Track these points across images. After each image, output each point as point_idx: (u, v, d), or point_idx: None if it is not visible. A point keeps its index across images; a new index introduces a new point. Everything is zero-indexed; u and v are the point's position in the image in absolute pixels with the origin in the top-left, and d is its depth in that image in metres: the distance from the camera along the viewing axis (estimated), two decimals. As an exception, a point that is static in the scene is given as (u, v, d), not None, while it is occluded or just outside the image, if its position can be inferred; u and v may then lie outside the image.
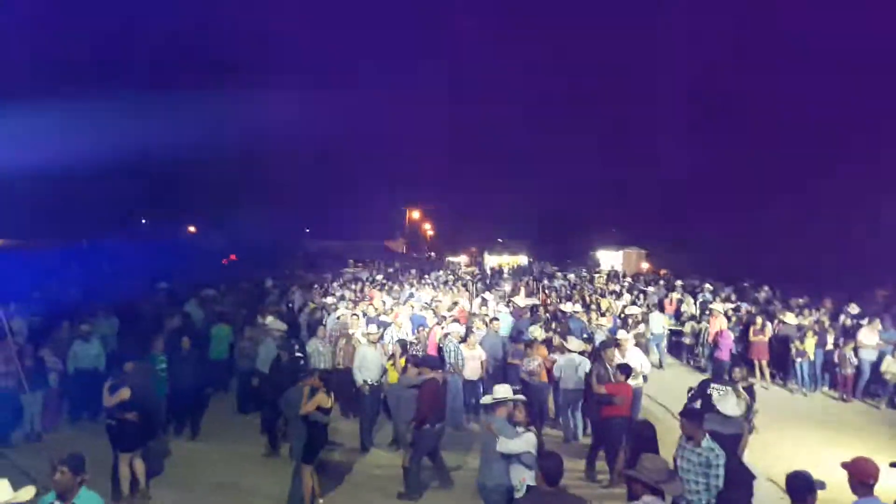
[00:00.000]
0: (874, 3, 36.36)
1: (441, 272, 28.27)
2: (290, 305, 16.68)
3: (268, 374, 10.03)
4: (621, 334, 11.27)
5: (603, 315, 14.76)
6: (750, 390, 8.81)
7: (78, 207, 34.01)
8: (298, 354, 10.40)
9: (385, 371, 10.36)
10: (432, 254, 49.48)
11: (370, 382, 10.08)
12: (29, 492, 4.07)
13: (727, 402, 7.52)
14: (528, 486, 5.82)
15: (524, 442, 6.31)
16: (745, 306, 17.33)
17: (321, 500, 7.83)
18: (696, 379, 10.05)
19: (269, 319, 11.80)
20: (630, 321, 14.77)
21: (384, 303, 15.51)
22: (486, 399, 7.37)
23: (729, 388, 7.81)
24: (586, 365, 10.15)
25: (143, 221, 52.44)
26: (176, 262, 29.49)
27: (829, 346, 14.10)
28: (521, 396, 7.29)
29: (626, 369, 9.08)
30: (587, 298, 18.76)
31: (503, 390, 7.03)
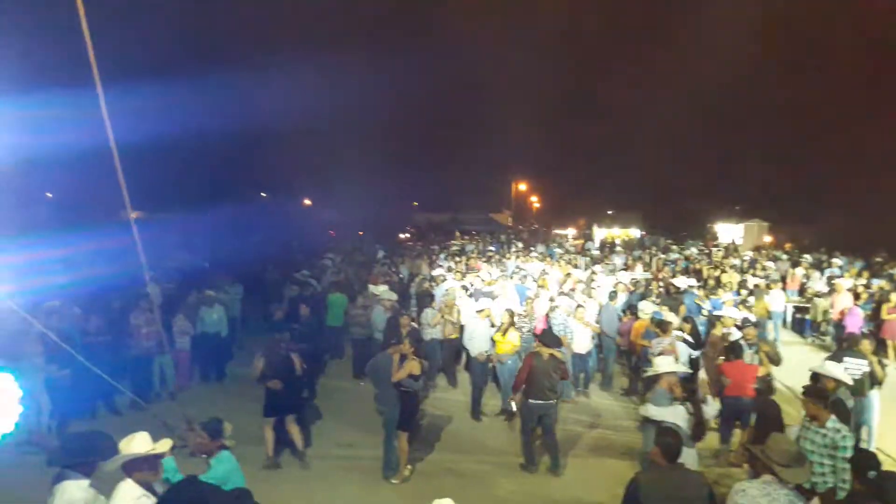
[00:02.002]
0: None
1: (543, 245, 27.92)
2: (401, 276, 17.15)
3: (381, 340, 10.41)
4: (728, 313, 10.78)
5: (720, 289, 14.17)
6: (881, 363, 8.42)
7: (202, 181, 36.21)
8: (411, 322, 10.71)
9: (493, 342, 10.47)
10: (536, 225, 48.91)
11: (479, 353, 10.26)
12: (166, 444, 4.42)
13: (836, 369, 7.22)
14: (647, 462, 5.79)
15: (670, 412, 6.44)
16: (877, 282, 16.05)
17: (409, 467, 7.99)
18: (818, 357, 9.49)
19: (382, 289, 12.16)
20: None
21: (490, 274, 15.60)
22: (648, 372, 7.51)
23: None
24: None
25: (263, 195, 55.09)
26: (294, 233, 31.06)
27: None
28: (683, 368, 7.53)
29: (734, 349, 8.70)
30: (704, 273, 18.04)
31: (666, 363, 7.12)
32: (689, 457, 6.10)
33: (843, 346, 8.93)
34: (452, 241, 29.29)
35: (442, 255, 21.80)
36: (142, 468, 4.14)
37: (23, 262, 12.80)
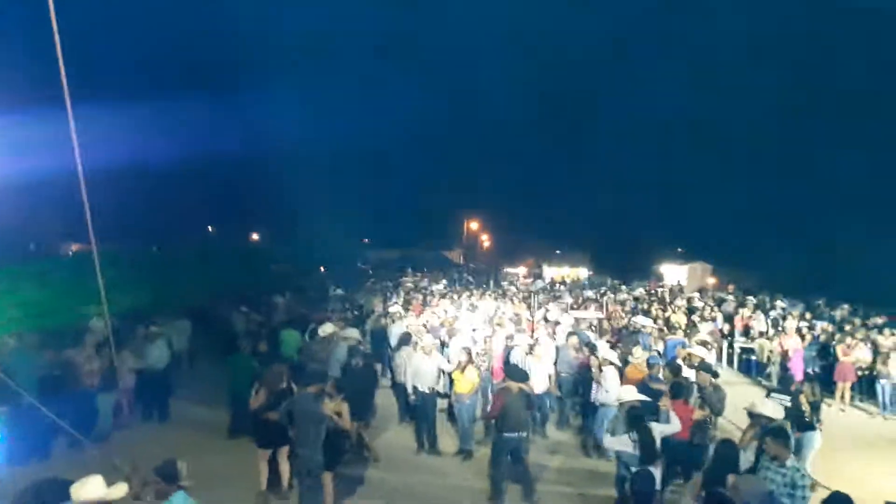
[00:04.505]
0: None
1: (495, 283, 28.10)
2: (357, 313, 16.95)
3: (339, 378, 10.18)
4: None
5: (672, 331, 14.45)
6: (814, 406, 8.68)
7: (147, 214, 35.34)
8: (369, 361, 10.55)
9: (442, 378, 10.34)
10: (485, 264, 49.27)
11: (421, 391, 10.11)
12: (121, 489, 4.18)
13: (765, 406, 7.51)
14: None
15: (621, 442, 7.06)
16: (820, 324, 16.65)
17: None
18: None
19: (347, 331, 11.98)
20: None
21: (446, 312, 15.56)
22: (615, 402, 8.13)
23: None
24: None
25: (210, 229, 54.05)
26: (241, 269, 30.47)
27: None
28: (644, 397, 7.91)
29: (675, 389, 8.82)
30: (653, 313, 18.39)
31: (630, 393, 7.84)
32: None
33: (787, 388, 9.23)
34: (405, 278, 29.18)
35: (396, 292, 21.66)
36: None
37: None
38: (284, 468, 8.16)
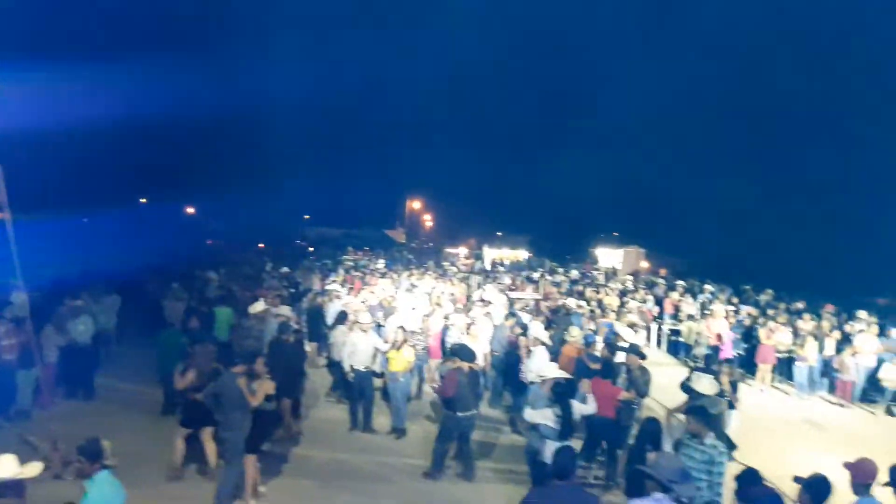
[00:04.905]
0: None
1: (435, 263, 28.20)
2: (293, 290, 16.72)
3: (267, 354, 10.04)
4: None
5: (604, 312, 14.82)
6: (734, 385, 9.10)
7: (78, 184, 33.78)
8: (300, 338, 10.44)
9: (378, 357, 10.32)
10: (429, 244, 49.40)
11: (358, 369, 10.05)
12: (35, 468, 4.04)
13: (701, 382, 7.88)
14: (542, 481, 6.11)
15: (543, 415, 7.32)
16: (745, 309, 17.37)
17: (263, 489, 7.67)
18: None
19: (280, 308, 11.81)
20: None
21: (385, 290, 15.52)
22: (537, 377, 8.25)
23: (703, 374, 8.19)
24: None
25: (143, 201, 52.20)
26: (174, 242, 29.59)
27: (830, 352, 14.16)
28: (566, 374, 8.18)
29: (604, 369, 9.15)
30: (587, 296, 18.80)
31: (553, 369, 8.11)
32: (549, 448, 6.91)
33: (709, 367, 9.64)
34: (346, 256, 28.93)
35: (336, 271, 21.45)
36: (5, 494, 3.74)
37: None
38: (209, 448, 8.02)
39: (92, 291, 13.48)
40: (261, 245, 37.94)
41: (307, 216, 60.58)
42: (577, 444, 8.81)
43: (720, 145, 43.40)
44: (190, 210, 54.86)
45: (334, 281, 17.05)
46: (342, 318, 11.49)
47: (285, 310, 11.53)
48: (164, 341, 10.43)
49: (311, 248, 38.15)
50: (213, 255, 29.65)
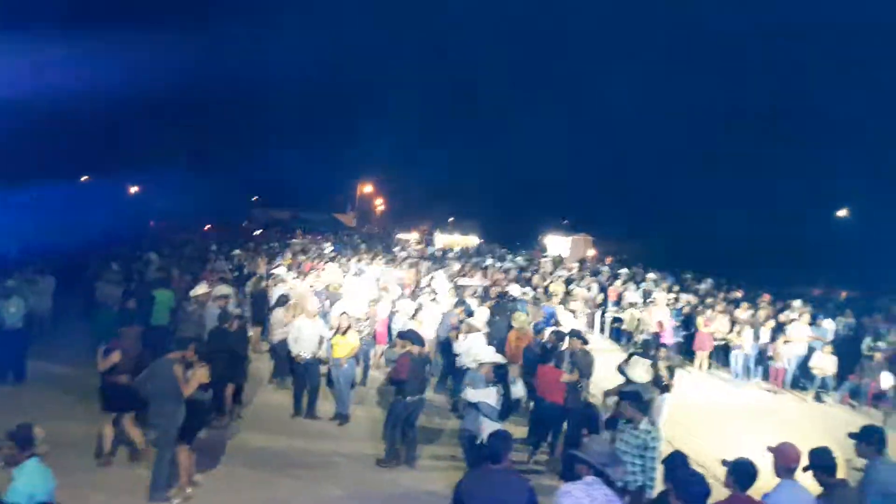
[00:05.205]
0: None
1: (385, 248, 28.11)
2: (238, 273, 16.43)
3: (208, 339, 9.85)
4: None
5: (549, 299, 15.03)
6: (671, 370, 9.41)
7: (14, 159, 32.27)
8: (242, 322, 10.26)
9: (325, 343, 10.22)
10: (377, 229, 49.11)
11: (304, 355, 9.94)
12: None
13: (635, 369, 8.11)
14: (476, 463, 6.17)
15: (484, 393, 7.54)
16: (685, 297, 17.86)
17: (199, 477, 7.53)
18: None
19: (219, 288, 11.57)
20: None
21: (331, 275, 15.37)
22: (474, 362, 8.39)
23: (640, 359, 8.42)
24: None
25: (84, 178, 50.24)
26: (116, 222, 28.67)
27: (765, 340, 14.70)
28: (502, 358, 8.51)
29: (546, 353, 9.38)
30: (534, 282, 19.01)
31: (490, 353, 8.28)
32: (489, 427, 7.09)
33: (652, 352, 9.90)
34: (294, 240, 28.54)
35: (283, 254, 21.14)
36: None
37: None
38: (134, 432, 7.83)
39: (24, 272, 13.02)
40: (207, 227, 37.17)
41: (256, 197, 59.45)
42: (518, 427, 9.05)
43: (668, 136, 44.34)
44: (133, 189, 53.14)
45: (280, 265, 16.79)
46: (282, 301, 11.39)
47: (225, 290, 11.28)
48: (99, 323, 10.18)
49: (259, 231, 37.52)
50: (157, 236, 28.88)
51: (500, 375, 8.01)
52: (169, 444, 6.96)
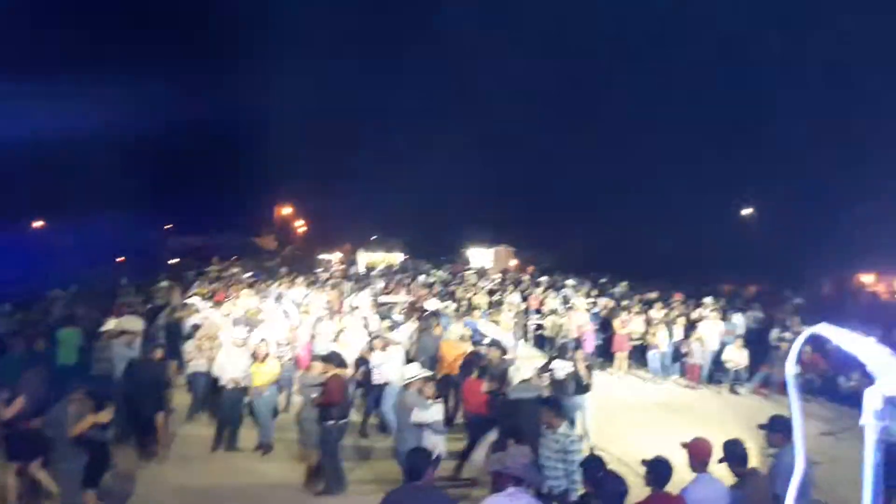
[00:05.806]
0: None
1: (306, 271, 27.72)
2: (151, 306, 15.77)
3: (121, 378, 9.42)
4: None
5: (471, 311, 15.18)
6: (590, 369, 9.88)
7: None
8: (158, 357, 9.83)
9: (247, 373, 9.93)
10: (298, 251, 48.24)
11: (227, 386, 9.64)
12: None
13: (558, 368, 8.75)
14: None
15: (433, 412, 7.56)
16: (602, 301, 18.38)
17: None
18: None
19: (125, 319, 11.08)
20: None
21: (250, 302, 15.01)
22: (401, 380, 8.44)
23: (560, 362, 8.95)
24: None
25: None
26: (15, 259, 27.06)
27: (678, 338, 15.28)
28: (429, 372, 8.39)
29: (465, 366, 9.54)
30: (458, 295, 19.15)
31: (414, 369, 8.30)
32: (440, 444, 7.30)
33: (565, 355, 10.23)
34: (212, 267, 27.71)
35: (197, 282, 20.48)
36: None
37: None
38: (43, 478, 7.39)
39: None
40: (119, 259, 35.63)
41: (169, 225, 57.27)
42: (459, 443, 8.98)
43: (582, 145, 45.51)
44: (38, 224, 50.29)
45: (193, 294, 16.26)
46: (193, 332, 11.11)
47: (133, 323, 10.82)
48: (3, 367, 9.52)
49: (174, 260, 36.24)
50: (63, 271, 27.39)
51: (445, 387, 8.10)
52: (71, 490, 6.66)
